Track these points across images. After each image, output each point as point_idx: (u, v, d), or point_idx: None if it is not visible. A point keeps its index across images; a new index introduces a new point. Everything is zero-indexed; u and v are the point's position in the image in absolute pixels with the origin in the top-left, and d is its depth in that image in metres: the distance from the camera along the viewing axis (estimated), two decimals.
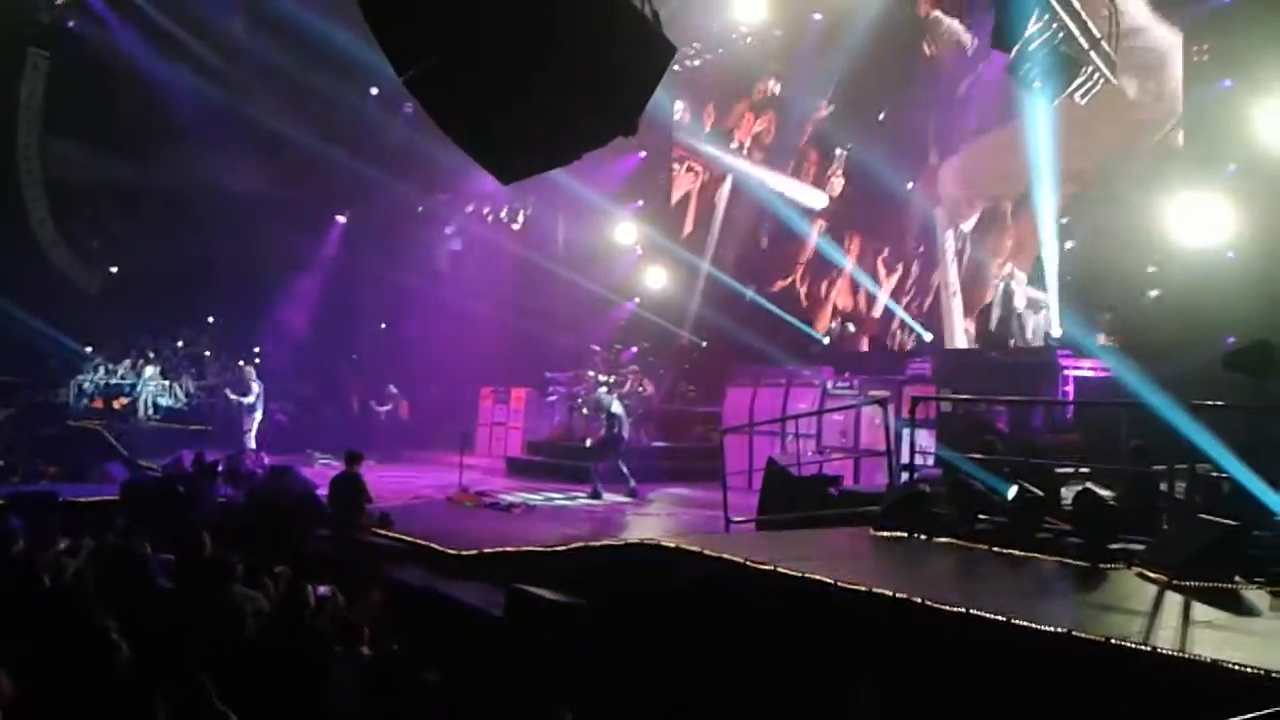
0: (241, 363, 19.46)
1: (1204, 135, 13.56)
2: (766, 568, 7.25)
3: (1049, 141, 14.35)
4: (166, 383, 22.13)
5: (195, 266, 22.83)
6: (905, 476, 10.44)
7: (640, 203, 21.98)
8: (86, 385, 21.54)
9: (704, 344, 20.82)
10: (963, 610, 6.02)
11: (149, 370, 21.61)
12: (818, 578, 6.88)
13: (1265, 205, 12.59)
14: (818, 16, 18.93)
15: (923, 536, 8.83)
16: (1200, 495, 7.96)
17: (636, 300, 21.96)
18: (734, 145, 21.38)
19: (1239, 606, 6.55)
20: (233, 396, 18.55)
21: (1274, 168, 12.53)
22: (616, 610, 8.02)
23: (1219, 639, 5.61)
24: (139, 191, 22.38)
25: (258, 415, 17.70)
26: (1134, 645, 5.33)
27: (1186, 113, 13.98)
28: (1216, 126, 13.37)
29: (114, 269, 24.52)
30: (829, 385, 15.62)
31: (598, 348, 19.89)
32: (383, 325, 24.15)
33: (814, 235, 19.58)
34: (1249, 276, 12.55)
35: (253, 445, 16.53)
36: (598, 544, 9.24)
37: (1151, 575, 7.23)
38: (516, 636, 8.06)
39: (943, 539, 8.72)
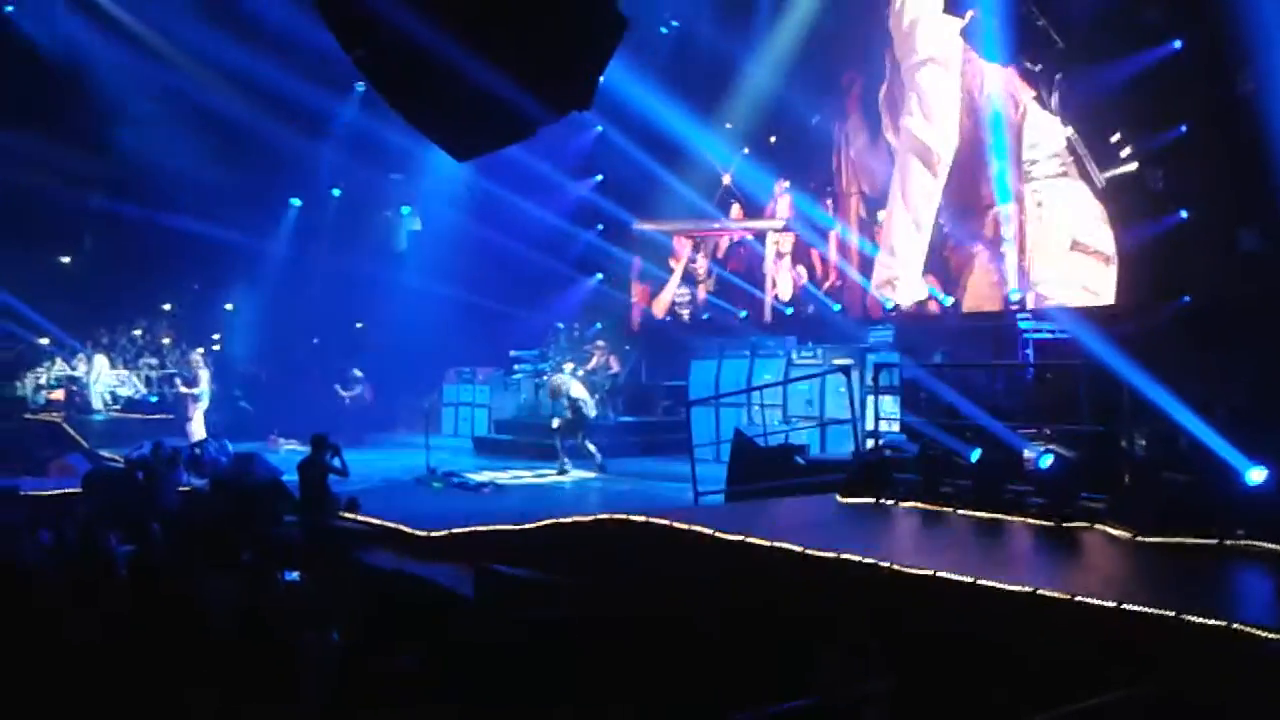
0: (194, 351, 19.17)
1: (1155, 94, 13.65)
2: (735, 538, 7.29)
3: None
4: (125, 372, 21.85)
5: (150, 254, 22.49)
6: (870, 443, 10.52)
7: (600, 178, 21.89)
8: (43, 378, 21.23)
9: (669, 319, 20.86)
10: (930, 572, 6.08)
11: (101, 361, 21.31)
12: (786, 546, 6.93)
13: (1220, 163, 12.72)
14: None
15: (889, 502, 8.92)
16: (1160, 453, 8.07)
17: (599, 276, 21.92)
18: None
19: (1202, 562, 6.67)
20: (182, 387, 18.34)
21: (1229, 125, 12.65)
22: (587, 586, 8.03)
23: (1183, 595, 5.70)
24: (88, 180, 21.97)
25: (203, 404, 17.42)
26: (1099, 602, 5.41)
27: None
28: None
29: (66, 259, 24.14)
30: (793, 355, 15.68)
31: (561, 325, 19.87)
32: (343, 308, 23.93)
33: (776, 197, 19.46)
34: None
35: (199, 434, 16.28)
36: (567, 520, 9.23)
37: (1115, 533, 7.35)
38: (488, 615, 8.05)
39: (908, 503, 8.81)
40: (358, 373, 20.32)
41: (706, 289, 20.56)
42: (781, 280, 19.08)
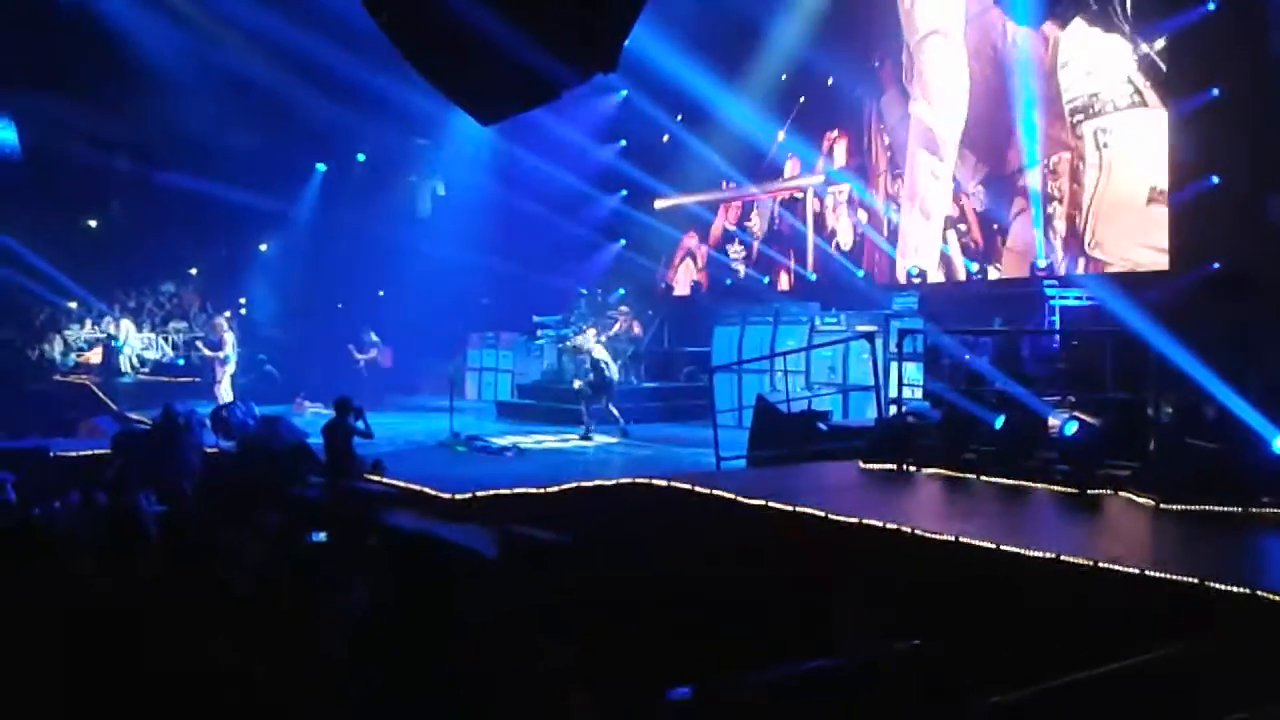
0: (220, 315, 19.30)
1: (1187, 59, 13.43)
2: (758, 503, 7.32)
3: None
4: (152, 335, 22.06)
5: (176, 218, 22.62)
6: (893, 410, 10.50)
7: (624, 143, 21.79)
8: (72, 340, 21.47)
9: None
10: (952, 538, 6.09)
11: (128, 324, 21.51)
12: (809, 511, 6.94)
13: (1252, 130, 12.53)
14: None
15: (911, 468, 8.91)
16: (1186, 420, 8.02)
17: (622, 242, 21.89)
18: None
19: (1226, 530, 6.64)
20: (205, 350, 18.48)
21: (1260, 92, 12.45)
22: (610, 550, 8.08)
23: (1207, 562, 5.68)
24: (115, 144, 22.08)
25: (230, 368, 17.55)
26: (1122, 569, 5.40)
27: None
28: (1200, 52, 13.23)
29: (93, 223, 24.31)
30: (817, 321, 15.63)
31: (584, 290, 19.87)
32: (368, 273, 24.03)
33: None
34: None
35: (227, 397, 16.42)
36: (590, 484, 9.29)
37: (1139, 500, 7.32)
38: (511, 577, 8.12)
39: (930, 470, 8.80)
40: (373, 336, 20.38)
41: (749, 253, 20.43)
42: (842, 228, 18.79)
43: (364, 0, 5.62)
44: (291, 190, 23.50)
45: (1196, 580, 5.12)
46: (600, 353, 15.33)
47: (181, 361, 21.52)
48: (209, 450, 12.39)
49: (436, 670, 5.84)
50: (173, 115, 20.86)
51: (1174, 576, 5.23)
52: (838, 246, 18.65)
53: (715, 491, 7.71)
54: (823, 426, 11.41)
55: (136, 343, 21.55)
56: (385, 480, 11.22)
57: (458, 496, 10.25)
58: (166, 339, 22.25)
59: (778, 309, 16.58)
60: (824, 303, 16.57)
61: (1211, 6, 12.98)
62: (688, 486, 8.01)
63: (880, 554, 6.39)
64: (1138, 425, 8.38)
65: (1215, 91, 12.91)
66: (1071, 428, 8.11)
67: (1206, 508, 6.91)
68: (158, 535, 8.10)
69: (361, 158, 23.89)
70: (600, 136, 21.71)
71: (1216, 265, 12.67)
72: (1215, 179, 12.86)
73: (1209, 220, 12.89)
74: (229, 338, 17.77)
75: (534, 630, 6.29)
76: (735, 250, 20.66)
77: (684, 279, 21.66)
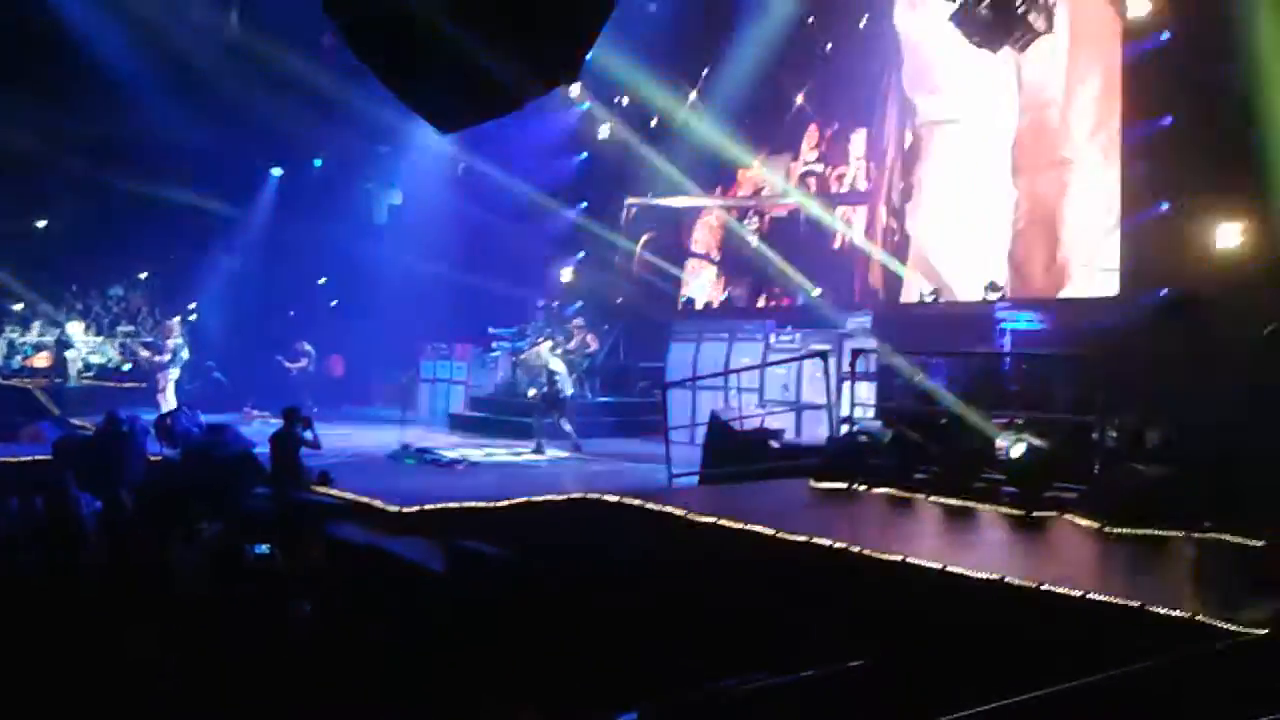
0: (170, 319, 18.94)
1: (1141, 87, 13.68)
2: (708, 521, 7.30)
3: None
4: (99, 339, 21.65)
5: (128, 221, 22.23)
6: (845, 429, 10.54)
7: (584, 155, 21.79)
8: (16, 342, 21.02)
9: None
10: (899, 558, 6.11)
11: (76, 328, 21.10)
12: (758, 530, 6.94)
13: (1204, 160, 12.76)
14: None
15: (861, 487, 8.95)
16: (1131, 444, 8.14)
17: (581, 254, 21.86)
18: None
19: (1169, 554, 6.72)
20: (145, 354, 18.12)
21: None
22: (559, 565, 8.03)
23: (1148, 586, 5.74)
24: (65, 141, 21.67)
25: (173, 373, 17.18)
26: (1065, 591, 5.45)
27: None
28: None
29: (42, 223, 23.85)
30: (771, 339, 15.68)
31: (541, 303, 19.80)
32: (321, 280, 23.78)
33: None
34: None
35: (170, 404, 16.11)
36: (540, 499, 9.23)
37: (1083, 523, 7.40)
38: (458, 592, 8.04)
39: (881, 489, 8.85)
40: (306, 346, 19.94)
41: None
42: (802, 245, 18.75)
43: (324, 4, 5.55)
44: (246, 194, 23.21)
45: (1138, 604, 5.18)
46: (556, 365, 15.28)
47: (128, 367, 21.12)
48: (152, 458, 12.18)
49: (377, 683, 5.76)
50: (125, 114, 20.53)
51: (1116, 600, 5.28)
52: (796, 264, 18.73)
53: (666, 508, 7.70)
54: (775, 445, 11.44)
55: (83, 347, 21.14)
56: (332, 492, 11.08)
57: (405, 509, 10.14)
58: (114, 343, 21.85)
59: (733, 326, 16.61)
60: (779, 320, 16.63)
61: (1165, 36, 13.24)
62: (638, 503, 7.99)
63: (829, 573, 6.40)
64: (1084, 448, 8.49)
65: (1168, 120, 13.16)
66: (1018, 450, 8.19)
67: (1150, 532, 7.00)
68: (97, 535, 7.94)
69: (318, 163, 23.65)
70: (562, 148, 21.68)
71: (1165, 291, 12.89)
72: (1165, 205, 13.10)
73: (1159, 246, 13.12)
74: (172, 342, 17.39)
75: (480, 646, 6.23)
76: (694, 266, 20.70)
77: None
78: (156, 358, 17.44)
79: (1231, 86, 11.90)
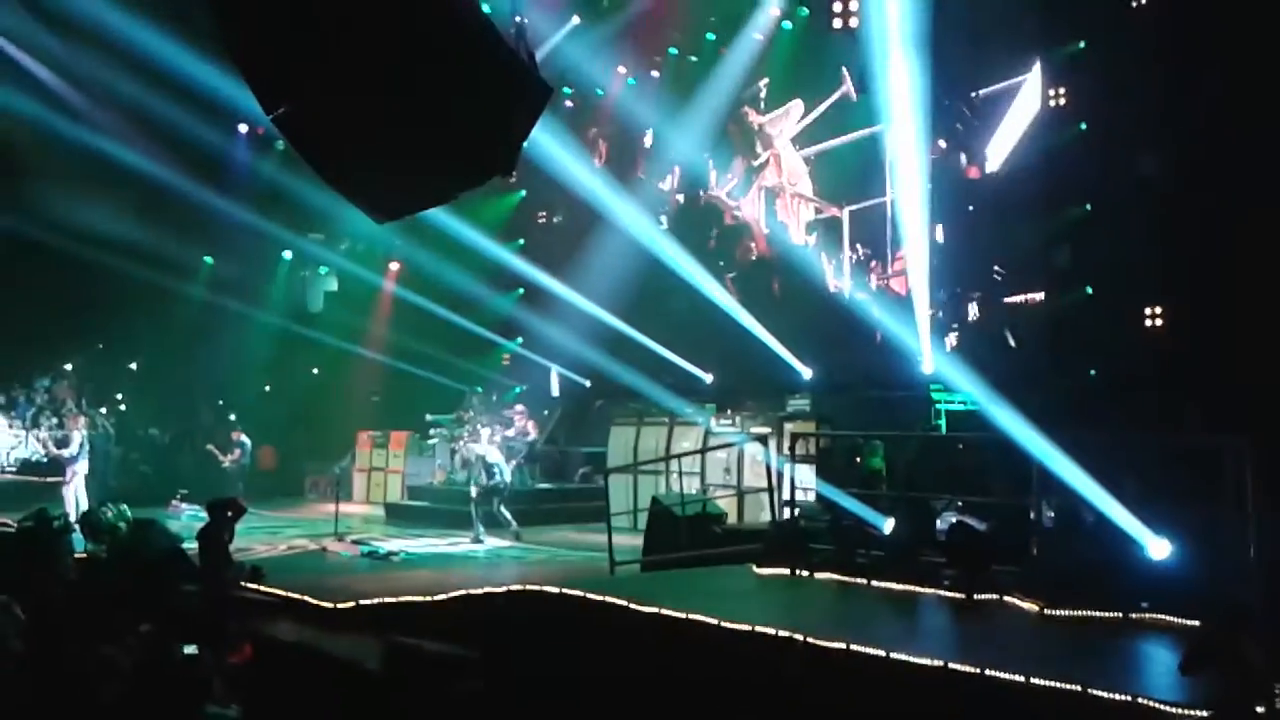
0: (78, 414, 18.35)
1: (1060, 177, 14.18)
2: (650, 611, 7.20)
3: None
4: (23, 432, 20.99)
5: (53, 311, 21.74)
6: (787, 512, 10.53)
7: (522, 241, 21.91)
8: None
9: (587, 383, 20.71)
10: (843, 646, 6.07)
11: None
12: (701, 619, 6.86)
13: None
14: None
15: (804, 573, 8.91)
16: (1067, 525, 8.21)
17: (519, 340, 21.81)
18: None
19: (1107, 635, 6.76)
20: (51, 449, 17.51)
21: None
22: (500, 659, 7.84)
23: (1089, 669, 5.76)
24: None
25: (79, 467, 16.49)
26: (1007, 676, 5.44)
27: None
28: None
29: None
30: (712, 424, 15.71)
31: (479, 389, 19.66)
32: (253, 370, 23.39)
33: None
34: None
35: (78, 499, 15.54)
36: (479, 592, 9.04)
37: (1023, 605, 7.43)
38: (395, 692, 7.81)
39: (823, 574, 8.82)
40: (240, 436, 19.40)
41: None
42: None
43: (257, 95, 5.54)
44: (177, 283, 22.85)
45: (1079, 688, 5.18)
46: (494, 455, 15.12)
47: (46, 461, 20.44)
48: (78, 555, 11.76)
49: None
50: (53, 204, 20.20)
51: (1058, 684, 5.28)
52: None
53: (607, 598, 7.58)
54: (718, 529, 11.39)
55: (6, 440, 20.47)
56: (263, 589, 10.77)
57: (340, 605, 9.88)
58: (37, 438, 21.18)
59: (673, 410, 16.62)
60: (719, 404, 16.68)
61: (1083, 127, 13.77)
62: (579, 594, 7.86)
63: (772, 662, 6.33)
64: (1022, 529, 8.56)
65: (1088, 206, 13.62)
66: (957, 532, 8.23)
67: (1089, 613, 7.04)
68: (22, 649, 7.59)
69: (251, 251, 23.41)
70: (498, 235, 21.76)
71: (1093, 372, 13.19)
72: (1089, 289, 13.49)
73: (1085, 329, 13.47)
74: (77, 435, 16.76)
75: None
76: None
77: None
78: (58, 452, 16.76)
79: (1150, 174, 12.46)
